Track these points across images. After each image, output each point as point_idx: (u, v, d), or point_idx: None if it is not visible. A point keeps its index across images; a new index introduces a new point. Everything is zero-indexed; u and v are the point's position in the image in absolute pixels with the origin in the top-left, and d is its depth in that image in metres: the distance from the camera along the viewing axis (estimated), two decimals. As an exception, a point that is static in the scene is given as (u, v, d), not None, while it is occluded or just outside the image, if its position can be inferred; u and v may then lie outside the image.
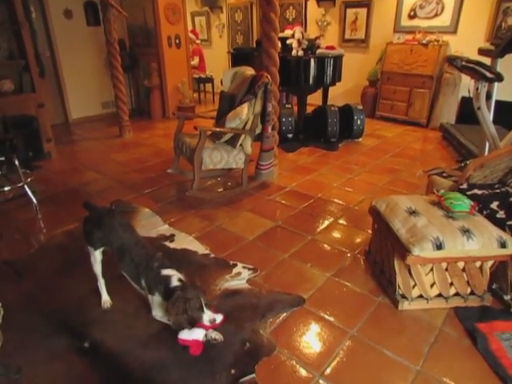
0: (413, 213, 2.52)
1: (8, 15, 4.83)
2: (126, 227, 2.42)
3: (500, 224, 2.47)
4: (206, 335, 2.18)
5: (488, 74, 3.27)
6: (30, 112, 5.11)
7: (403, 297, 2.48)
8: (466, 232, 2.31)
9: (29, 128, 5.02)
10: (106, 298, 2.53)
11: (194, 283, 2.17)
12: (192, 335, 2.12)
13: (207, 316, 2.09)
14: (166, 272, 2.21)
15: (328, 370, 2.06)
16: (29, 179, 3.94)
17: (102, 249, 2.43)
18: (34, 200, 3.84)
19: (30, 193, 3.84)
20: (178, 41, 7.47)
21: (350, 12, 7.73)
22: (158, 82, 7.57)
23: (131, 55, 7.86)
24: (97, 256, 2.43)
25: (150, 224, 3.59)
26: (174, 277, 2.19)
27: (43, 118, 5.26)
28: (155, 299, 2.25)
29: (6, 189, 3.84)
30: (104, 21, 5.88)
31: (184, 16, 7.55)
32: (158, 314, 2.28)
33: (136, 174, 4.86)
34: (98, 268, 2.47)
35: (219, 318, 2.22)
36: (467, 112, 5.65)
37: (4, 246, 3.30)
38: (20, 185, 3.83)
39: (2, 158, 3.72)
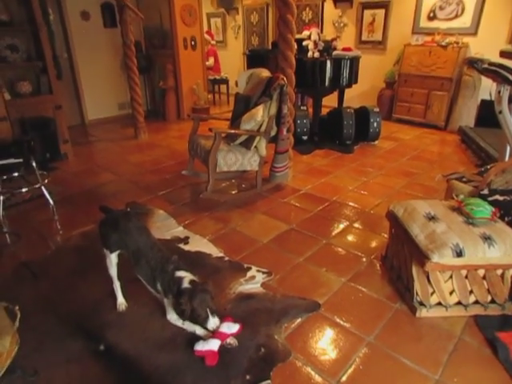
0: (432, 218, 2.47)
1: (26, 17, 4.89)
2: (141, 230, 2.42)
3: (522, 231, 2.40)
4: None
5: (511, 77, 3.19)
6: (48, 113, 5.18)
7: (421, 304, 2.43)
8: (487, 239, 2.26)
9: (46, 129, 5.09)
10: (121, 301, 2.53)
11: (204, 287, 2.15)
12: (206, 345, 2.11)
13: (212, 323, 2.08)
14: (179, 273, 2.21)
15: (344, 378, 2.02)
16: (46, 180, 3.97)
17: (117, 252, 2.43)
18: (51, 201, 3.87)
19: (47, 194, 3.87)
20: (193, 42, 7.50)
21: (368, 13, 7.66)
22: (173, 84, 7.60)
23: (147, 57, 7.91)
24: (112, 259, 2.44)
25: (164, 226, 3.59)
26: (186, 278, 2.18)
27: (60, 119, 5.32)
28: (169, 302, 2.24)
29: (24, 190, 3.88)
30: (120, 22, 5.92)
31: (200, 17, 7.58)
32: (172, 317, 2.28)
33: (151, 176, 4.88)
34: (113, 271, 2.48)
35: (235, 327, 2.22)
36: (487, 115, 5.57)
37: (21, 247, 3.34)
38: (37, 186, 3.86)
39: (20, 160, 3.75)
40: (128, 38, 5.90)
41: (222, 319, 2.21)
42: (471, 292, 2.40)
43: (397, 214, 2.67)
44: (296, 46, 4.28)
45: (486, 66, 3.38)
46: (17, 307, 2.20)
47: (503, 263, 2.30)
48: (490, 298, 2.41)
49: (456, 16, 6.54)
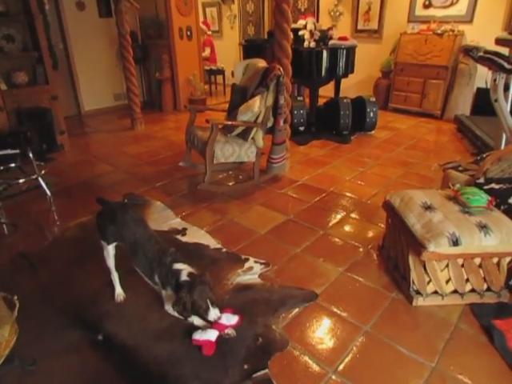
0: (428, 208, 2.48)
1: (22, 7, 4.85)
2: (138, 222, 2.42)
3: (518, 219, 2.41)
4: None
5: (507, 65, 3.19)
6: (44, 104, 5.15)
7: (418, 293, 2.45)
8: (483, 228, 2.27)
9: (42, 120, 5.07)
10: (119, 291, 2.54)
11: (203, 278, 2.16)
12: (204, 335, 2.13)
13: (213, 313, 2.10)
14: (177, 266, 2.22)
15: (341, 366, 2.04)
16: (43, 171, 3.97)
17: (115, 243, 2.44)
18: (48, 192, 3.87)
19: (43, 185, 3.87)
20: (189, 33, 7.43)
21: (363, 2, 7.59)
22: (169, 75, 7.55)
23: (143, 47, 7.84)
24: (110, 250, 2.44)
25: (162, 217, 3.59)
26: (184, 271, 2.18)
27: (56, 110, 5.30)
28: (167, 294, 2.25)
29: (21, 181, 3.88)
30: (116, 12, 5.87)
31: (195, 7, 7.51)
32: (170, 308, 2.28)
33: (148, 167, 4.87)
34: (111, 262, 2.48)
35: (234, 318, 2.25)
36: (483, 103, 5.58)
37: (19, 238, 3.34)
38: (34, 177, 3.86)
39: (17, 151, 3.74)
40: (123, 28, 5.84)
41: (222, 310, 2.22)
42: (467, 280, 2.41)
43: (393, 204, 2.68)
44: (292, 36, 4.25)
45: (481, 53, 3.38)
46: (15, 297, 2.20)
47: (499, 251, 2.32)
48: (485, 286, 2.43)
49: (451, 4, 6.51)
